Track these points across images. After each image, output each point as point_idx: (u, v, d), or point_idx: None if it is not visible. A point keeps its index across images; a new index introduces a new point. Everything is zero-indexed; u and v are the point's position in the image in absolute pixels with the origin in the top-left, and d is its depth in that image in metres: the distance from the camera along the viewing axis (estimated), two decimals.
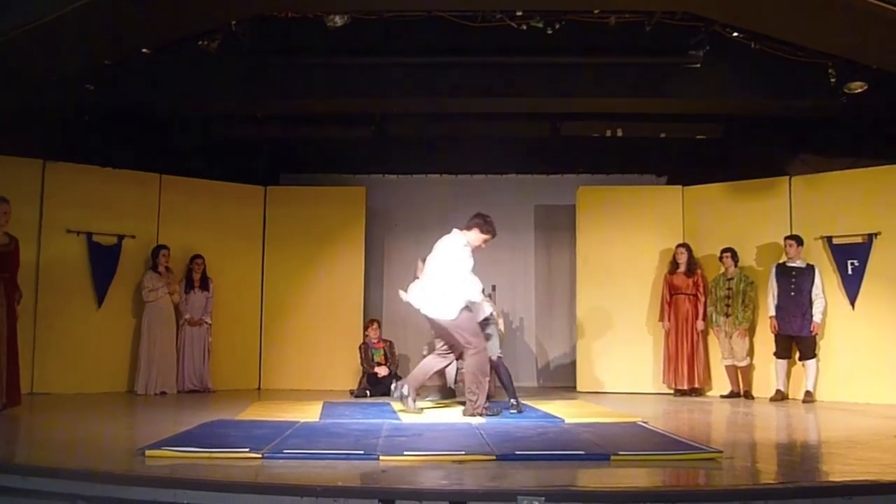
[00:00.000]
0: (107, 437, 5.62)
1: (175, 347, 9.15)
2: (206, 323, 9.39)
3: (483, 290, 7.22)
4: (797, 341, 8.59)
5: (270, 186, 10.41)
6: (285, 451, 4.65)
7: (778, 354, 8.64)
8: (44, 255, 8.61)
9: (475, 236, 6.83)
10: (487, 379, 6.75)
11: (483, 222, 6.87)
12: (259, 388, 9.86)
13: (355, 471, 4.24)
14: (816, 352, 8.51)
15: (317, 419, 6.49)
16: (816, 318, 8.46)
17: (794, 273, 8.62)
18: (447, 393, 8.62)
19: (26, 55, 6.90)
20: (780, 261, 8.77)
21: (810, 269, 8.58)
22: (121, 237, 9.13)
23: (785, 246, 8.70)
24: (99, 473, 3.99)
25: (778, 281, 8.66)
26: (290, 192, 10.54)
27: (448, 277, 6.65)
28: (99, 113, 8.91)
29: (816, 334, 8.50)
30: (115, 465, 4.45)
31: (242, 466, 4.31)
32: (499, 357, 7.24)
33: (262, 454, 4.52)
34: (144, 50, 7.80)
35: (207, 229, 9.68)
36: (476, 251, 6.85)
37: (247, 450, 4.59)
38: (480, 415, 6.51)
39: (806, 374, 8.51)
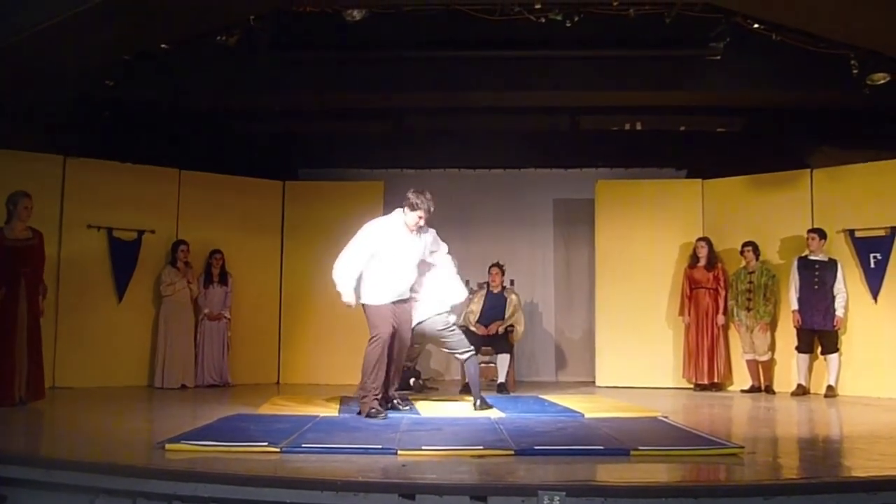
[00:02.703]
0: (127, 431, 5.65)
1: (193, 341, 9.20)
2: (226, 317, 9.43)
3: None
4: (819, 335, 8.51)
5: (289, 181, 10.43)
6: (304, 445, 4.66)
7: (800, 349, 8.57)
8: (65, 250, 8.67)
9: (408, 216, 6.40)
10: (372, 375, 6.24)
11: (408, 198, 6.37)
12: (278, 383, 9.89)
13: (374, 465, 4.23)
14: (839, 346, 8.43)
15: (335, 413, 6.51)
16: (839, 312, 8.38)
17: (816, 267, 8.54)
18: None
19: (47, 51, 6.94)
20: (803, 254, 8.69)
21: (832, 263, 8.50)
22: (141, 232, 9.18)
23: (807, 239, 8.61)
24: (120, 467, 4.02)
25: (800, 274, 8.59)
26: (309, 186, 10.56)
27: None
28: (119, 109, 8.97)
29: (839, 328, 8.43)
30: (135, 458, 4.48)
31: (262, 460, 4.33)
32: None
33: (281, 448, 4.53)
34: (164, 45, 7.83)
35: (226, 224, 9.71)
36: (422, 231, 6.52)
37: (266, 444, 4.60)
38: (370, 415, 6.11)
39: (828, 368, 8.44)
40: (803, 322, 8.51)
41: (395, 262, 6.36)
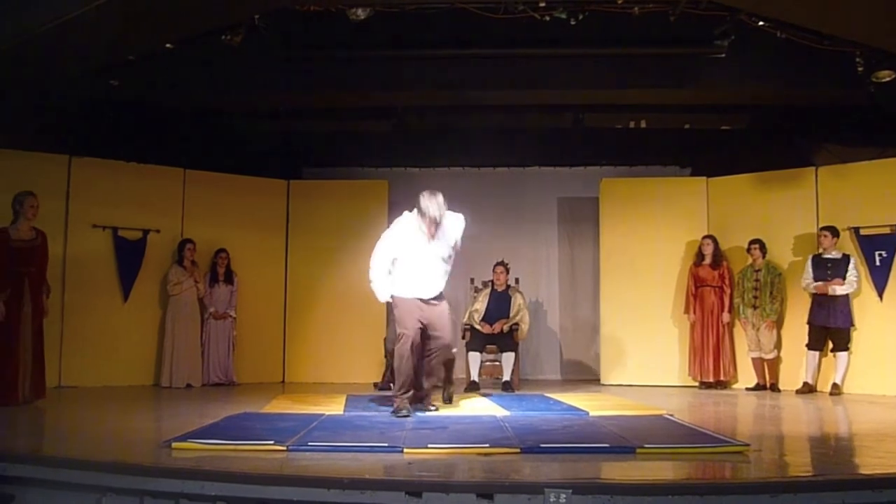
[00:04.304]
0: (133, 430, 5.66)
1: (199, 340, 9.23)
2: (231, 316, 9.44)
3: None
4: (831, 333, 8.47)
5: (293, 180, 10.44)
6: (310, 443, 4.66)
7: (810, 346, 8.53)
8: (70, 249, 8.68)
9: (420, 220, 6.21)
10: (401, 374, 6.22)
11: (418, 201, 6.16)
12: (283, 381, 9.90)
13: (380, 463, 4.24)
14: (849, 344, 8.39)
15: (341, 412, 6.50)
16: (844, 287, 8.34)
17: (829, 265, 8.49)
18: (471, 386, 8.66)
19: (52, 51, 6.95)
20: (817, 252, 8.64)
21: (845, 259, 8.44)
22: (146, 232, 9.19)
23: (819, 237, 8.59)
24: (126, 465, 4.02)
25: (813, 272, 8.55)
26: (313, 185, 10.57)
27: None
28: (123, 108, 8.98)
29: (850, 327, 8.39)
30: (142, 457, 4.49)
31: (268, 458, 4.33)
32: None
33: (287, 447, 4.53)
34: (168, 45, 7.83)
35: (231, 223, 9.72)
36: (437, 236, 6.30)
37: (272, 442, 4.61)
38: (395, 413, 6.10)
39: (836, 365, 8.40)
40: (815, 319, 8.48)
41: (414, 264, 6.29)
